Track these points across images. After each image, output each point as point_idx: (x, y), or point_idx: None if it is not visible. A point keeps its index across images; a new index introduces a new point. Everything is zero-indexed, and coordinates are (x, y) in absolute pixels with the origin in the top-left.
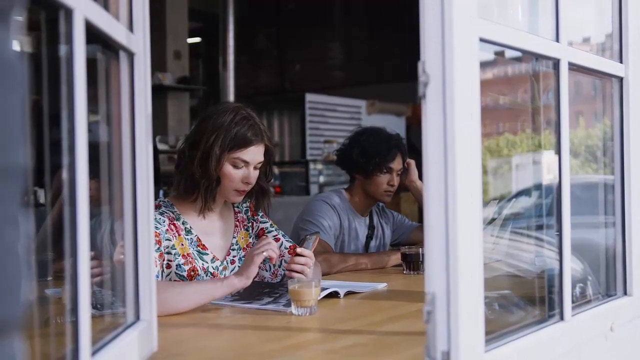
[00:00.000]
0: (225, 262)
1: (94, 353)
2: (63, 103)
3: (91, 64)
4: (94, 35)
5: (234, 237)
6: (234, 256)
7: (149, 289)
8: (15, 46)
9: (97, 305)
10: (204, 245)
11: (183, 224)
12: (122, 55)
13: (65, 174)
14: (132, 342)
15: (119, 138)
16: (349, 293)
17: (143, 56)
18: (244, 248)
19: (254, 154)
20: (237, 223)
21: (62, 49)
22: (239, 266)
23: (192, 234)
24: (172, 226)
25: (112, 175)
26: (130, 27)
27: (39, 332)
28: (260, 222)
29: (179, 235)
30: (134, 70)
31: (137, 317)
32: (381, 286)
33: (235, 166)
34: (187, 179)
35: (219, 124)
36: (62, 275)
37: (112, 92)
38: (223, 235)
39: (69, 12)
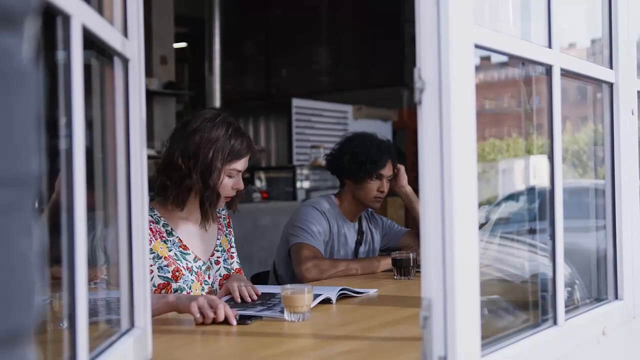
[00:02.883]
0: (209, 262)
1: None
2: (60, 109)
3: (85, 70)
4: (89, 40)
5: (218, 239)
6: (218, 257)
7: (144, 296)
8: (28, 54)
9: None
10: (185, 245)
11: (164, 226)
12: (117, 61)
13: (62, 180)
14: (128, 349)
15: (113, 144)
16: (342, 296)
17: (137, 62)
18: (227, 250)
19: (245, 162)
20: (220, 227)
21: (59, 55)
22: (224, 267)
23: (173, 235)
24: (149, 230)
25: (106, 181)
26: (125, 33)
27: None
28: (232, 235)
29: (156, 239)
30: (128, 76)
31: (132, 324)
32: (372, 292)
33: (230, 176)
34: (185, 191)
35: (214, 138)
36: (54, 282)
37: (106, 98)
38: (206, 236)
39: (66, 18)
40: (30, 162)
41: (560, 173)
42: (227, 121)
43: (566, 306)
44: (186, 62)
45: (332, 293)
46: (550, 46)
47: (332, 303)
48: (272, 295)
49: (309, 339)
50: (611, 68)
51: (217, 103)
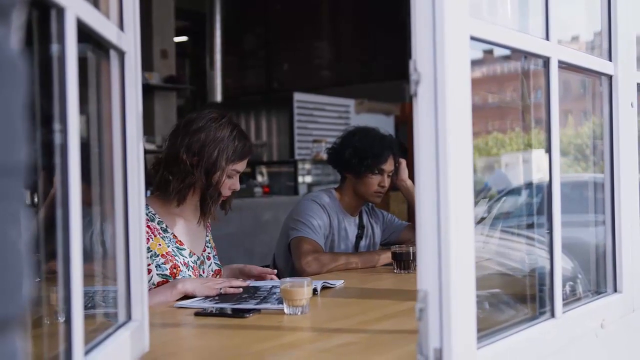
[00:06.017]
0: (202, 257)
1: (86, 353)
2: (55, 103)
3: (80, 63)
4: (84, 33)
5: (207, 236)
6: (208, 253)
7: (141, 289)
8: (16, 44)
9: (87, 304)
10: (180, 241)
11: (158, 223)
12: (113, 55)
13: (57, 175)
14: (125, 341)
15: (110, 138)
16: (324, 288)
17: (134, 55)
18: (214, 247)
19: (245, 164)
20: (208, 224)
21: (53, 48)
22: (214, 262)
23: (168, 232)
24: (146, 228)
25: (102, 176)
26: (121, 26)
27: (29, 333)
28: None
29: (155, 235)
30: (124, 69)
31: (129, 317)
32: (339, 283)
33: (230, 176)
34: (187, 187)
35: (219, 138)
36: (50, 277)
37: (102, 92)
38: (197, 232)
39: (60, 11)
40: (18, 152)
41: (557, 166)
42: (231, 123)
43: (565, 299)
44: (187, 57)
45: (317, 284)
46: (547, 38)
47: (317, 294)
48: (257, 288)
49: (307, 332)
50: (610, 60)
51: (218, 97)
